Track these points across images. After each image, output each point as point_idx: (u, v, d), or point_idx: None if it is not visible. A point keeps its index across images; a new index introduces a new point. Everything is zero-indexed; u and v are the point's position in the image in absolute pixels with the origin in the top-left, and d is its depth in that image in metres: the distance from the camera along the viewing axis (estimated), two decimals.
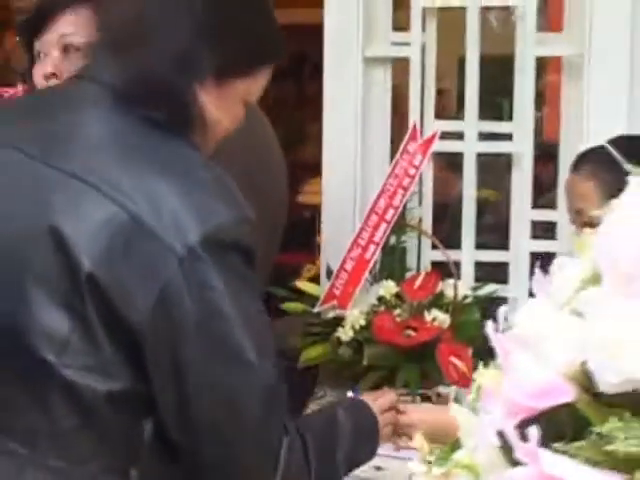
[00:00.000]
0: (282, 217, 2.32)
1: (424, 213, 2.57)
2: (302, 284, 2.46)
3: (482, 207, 3.09)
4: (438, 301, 2.36)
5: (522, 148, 2.48)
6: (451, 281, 2.36)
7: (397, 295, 2.37)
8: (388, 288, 2.35)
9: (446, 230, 2.85)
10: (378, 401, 1.82)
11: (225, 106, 1.56)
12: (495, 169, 3.17)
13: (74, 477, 1.43)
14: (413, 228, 2.47)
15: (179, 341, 1.40)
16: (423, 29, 2.53)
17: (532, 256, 2.50)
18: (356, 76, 2.56)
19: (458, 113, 3.96)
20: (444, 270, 2.44)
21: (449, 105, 5.33)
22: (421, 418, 1.90)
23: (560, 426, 0.87)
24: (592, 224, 1.01)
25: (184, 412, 1.44)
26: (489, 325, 0.98)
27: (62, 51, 2.05)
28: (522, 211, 2.50)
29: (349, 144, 2.57)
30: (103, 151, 1.46)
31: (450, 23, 2.60)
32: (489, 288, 2.47)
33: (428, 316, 2.28)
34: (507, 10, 2.86)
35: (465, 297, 2.38)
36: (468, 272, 2.55)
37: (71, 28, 2.04)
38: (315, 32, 2.60)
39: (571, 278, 1.02)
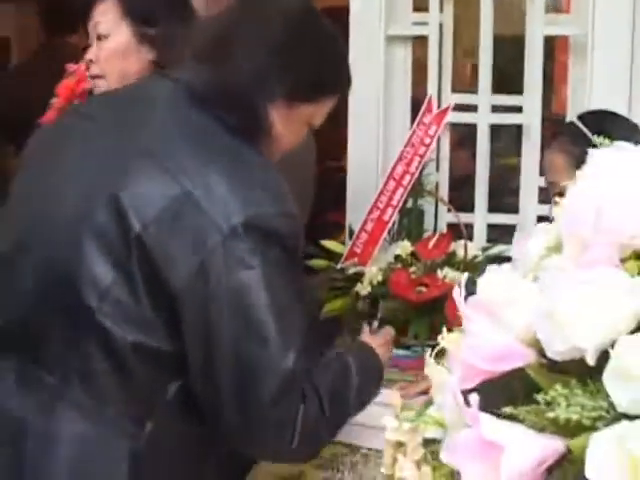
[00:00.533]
0: (311, 186, 2.46)
1: (441, 179, 2.50)
2: (328, 243, 2.40)
3: (505, 173, 3.02)
4: (451, 260, 2.29)
5: (531, 120, 2.39)
6: (463, 242, 2.29)
7: (413, 254, 2.30)
8: (404, 247, 2.29)
9: (466, 195, 2.77)
10: (375, 339, 1.90)
11: (291, 125, 1.61)
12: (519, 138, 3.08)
13: (94, 415, 1.42)
14: (429, 193, 2.40)
15: (212, 310, 1.40)
16: (441, 10, 2.44)
17: (539, 219, 2.42)
18: (379, 53, 2.48)
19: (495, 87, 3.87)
20: (459, 231, 2.36)
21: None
22: None
23: (513, 390, 0.80)
24: (563, 195, 0.94)
25: (209, 376, 1.44)
26: (455, 291, 0.92)
27: (97, 39, 2.02)
28: (530, 178, 2.42)
29: (372, 116, 2.51)
30: (174, 136, 1.50)
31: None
32: (498, 248, 2.39)
33: (440, 274, 2.21)
34: None
35: (475, 257, 2.30)
36: (480, 233, 2.48)
37: (100, 17, 2.01)
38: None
39: (539, 245, 0.95)
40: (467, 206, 2.51)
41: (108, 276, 1.40)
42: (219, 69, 1.53)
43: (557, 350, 0.73)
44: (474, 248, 2.33)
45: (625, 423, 0.65)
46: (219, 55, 1.54)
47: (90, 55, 2.05)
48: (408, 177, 2.29)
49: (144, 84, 1.70)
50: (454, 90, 2.48)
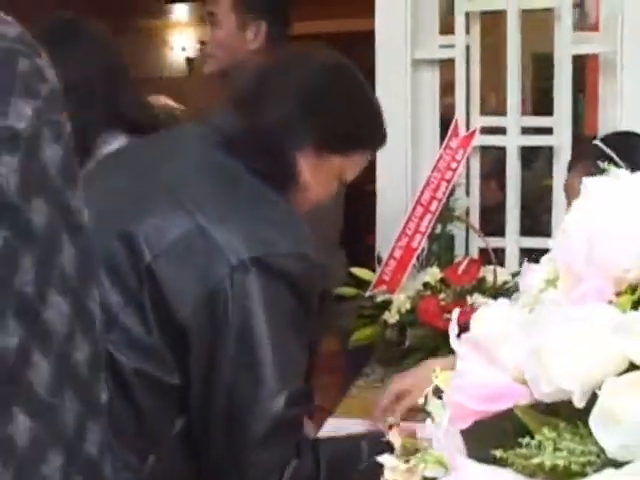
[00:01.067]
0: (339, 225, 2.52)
1: (471, 203, 2.46)
2: (357, 270, 2.37)
3: (542, 195, 2.98)
4: (481, 286, 2.25)
5: (561, 141, 2.34)
6: (492, 267, 2.25)
7: (443, 280, 2.26)
8: (433, 274, 2.26)
9: (499, 218, 2.73)
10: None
11: (320, 176, 1.61)
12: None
13: None
14: (457, 218, 2.36)
15: (216, 344, 1.40)
16: (467, 32, 2.41)
17: None
18: (405, 77, 2.46)
19: (534, 107, 3.83)
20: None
21: (526, 99, 5.17)
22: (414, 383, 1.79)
23: (505, 432, 0.76)
24: None
25: (203, 410, 1.43)
26: (451, 327, 0.89)
27: None
28: (562, 201, 2.37)
29: (400, 142, 2.48)
30: (194, 172, 1.52)
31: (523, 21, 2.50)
32: None
33: (470, 300, 2.17)
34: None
35: (506, 282, 2.26)
36: (512, 258, 2.43)
37: None
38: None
39: (539, 277, 0.91)
40: (500, 230, 2.48)
41: (118, 305, 1.40)
42: (249, 114, 1.55)
43: (543, 392, 0.69)
44: (505, 273, 2.29)
45: (611, 471, 0.62)
46: (251, 101, 1.58)
47: None
48: (435, 203, 2.26)
49: (184, 126, 1.74)
50: (483, 112, 2.46)
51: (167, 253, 1.40)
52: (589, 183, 0.81)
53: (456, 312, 0.85)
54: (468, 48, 2.43)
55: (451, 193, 2.37)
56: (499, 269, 2.26)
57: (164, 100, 2.44)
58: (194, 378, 1.41)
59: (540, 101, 2.50)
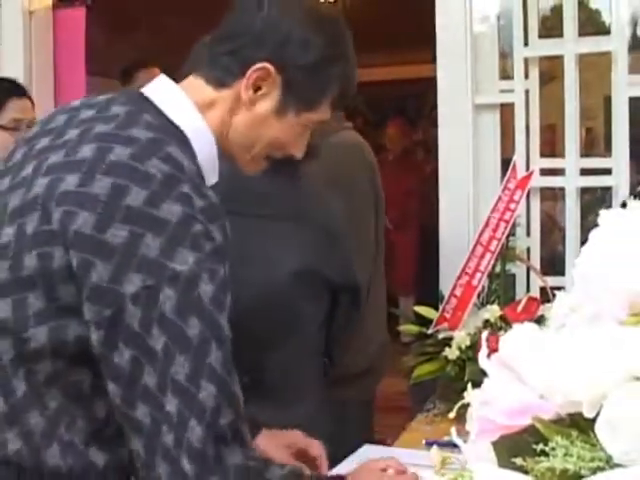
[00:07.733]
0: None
1: (532, 244, 2.51)
2: (419, 308, 2.43)
3: None
4: (540, 324, 2.27)
5: (619, 181, 2.38)
6: (550, 305, 2.29)
7: (503, 318, 2.30)
8: (493, 311, 2.30)
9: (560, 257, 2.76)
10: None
11: None
12: None
13: None
14: (514, 257, 2.41)
15: None
16: (526, 76, 2.47)
17: None
18: (467, 122, 2.52)
19: (606, 149, 3.85)
20: (553, 294, 2.36)
21: (598, 141, 5.17)
22: None
23: (527, 443, 0.83)
24: None
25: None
26: (482, 351, 0.95)
27: None
28: None
29: (462, 183, 2.55)
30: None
31: (597, 65, 2.57)
32: None
33: None
34: None
35: None
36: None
37: None
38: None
39: (564, 304, 0.98)
40: (561, 268, 2.51)
41: None
42: None
43: (558, 403, 0.76)
44: None
45: (612, 472, 0.67)
46: None
47: None
48: (495, 242, 2.30)
49: None
50: (542, 155, 2.50)
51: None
52: (605, 215, 0.87)
53: (485, 335, 0.92)
54: (528, 92, 2.49)
55: (512, 233, 2.41)
56: None
57: None
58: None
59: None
